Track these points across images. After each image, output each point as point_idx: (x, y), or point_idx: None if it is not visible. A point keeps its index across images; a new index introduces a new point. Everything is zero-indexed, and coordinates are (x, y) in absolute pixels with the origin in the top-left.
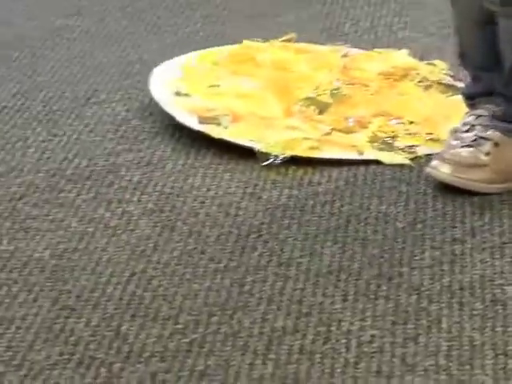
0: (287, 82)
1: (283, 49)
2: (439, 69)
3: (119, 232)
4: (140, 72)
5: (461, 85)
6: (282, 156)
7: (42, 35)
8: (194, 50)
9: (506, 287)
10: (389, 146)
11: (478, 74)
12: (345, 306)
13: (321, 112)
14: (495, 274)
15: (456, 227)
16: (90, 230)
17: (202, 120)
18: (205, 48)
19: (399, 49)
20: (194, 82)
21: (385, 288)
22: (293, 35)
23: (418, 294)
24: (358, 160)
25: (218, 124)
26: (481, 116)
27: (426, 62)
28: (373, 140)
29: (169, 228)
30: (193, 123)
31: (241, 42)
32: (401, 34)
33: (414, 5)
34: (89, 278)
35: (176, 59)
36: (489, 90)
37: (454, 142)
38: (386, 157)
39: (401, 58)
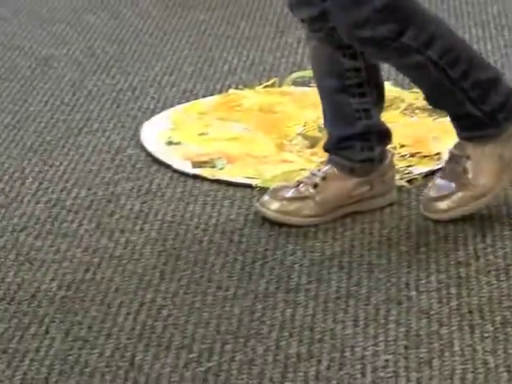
0: (275, 122)
1: (267, 93)
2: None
3: (124, 262)
4: (131, 100)
5: None
6: None
7: (30, 65)
8: (183, 76)
9: None
10: None
11: None
12: (356, 331)
13: (312, 146)
14: (502, 296)
15: (459, 250)
16: (95, 260)
17: (196, 165)
18: (193, 73)
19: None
20: (184, 131)
21: (394, 312)
22: (275, 79)
23: (427, 317)
24: None
25: (213, 167)
26: None
27: (409, 90)
28: None
29: (174, 257)
30: (187, 168)
31: (228, 70)
32: None
33: None
34: (99, 309)
35: (164, 112)
36: None
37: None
38: None
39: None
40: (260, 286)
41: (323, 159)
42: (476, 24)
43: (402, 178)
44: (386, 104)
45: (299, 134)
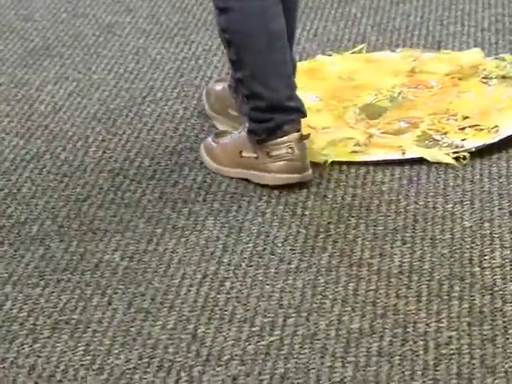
0: (349, 91)
1: (354, 60)
2: (507, 62)
3: (187, 233)
4: (195, 69)
5: None
6: (328, 160)
7: (94, 32)
8: None
9: None
10: (435, 143)
11: None
12: (419, 307)
13: (374, 117)
14: None
15: None
16: (158, 231)
17: None
18: None
19: (454, 43)
20: None
21: (458, 288)
22: (363, 45)
23: (491, 294)
24: (402, 159)
25: None
26: None
27: (493, 56)
28: (421, 139)
29: (236, 228)
30: None
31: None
32: (452, 28)
33: None
34: (161, 281)
35: None
36: None
37: None
38: (429, 154)
39: (468, 56)
40: (322, 259)
41: (382, 131)
42: None
43: (448, 154)
44: (466, 72)
45: (366, 105)
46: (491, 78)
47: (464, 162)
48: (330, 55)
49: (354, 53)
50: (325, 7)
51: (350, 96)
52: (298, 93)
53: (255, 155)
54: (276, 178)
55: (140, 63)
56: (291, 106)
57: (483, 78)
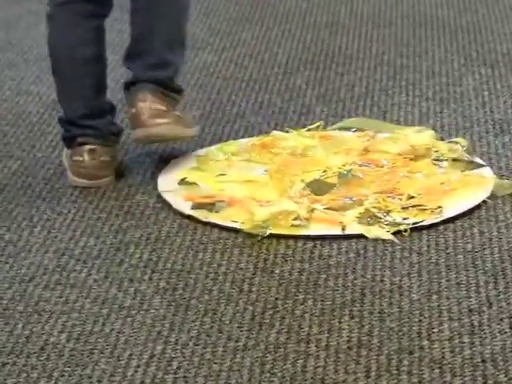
0: (296, 166)
1: (309, 137)
2: (459, 146)
3: (134, 312)
4: (144, 147)
5: (480, 160)
6: (267, 232)
7: (38, 110)
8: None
9: None
10: (376, 221)
11: None
12: (368, 382)
13: (321, 193)
14: None
15: (471, 297)
16: (104, 311)
17: (196, 206)
18: (202, 116)
19: (399, 113)
20: (205, 171)
21: (407, 363)
22: (319, 123)
23: (440, 367)
24: (342, 235)
25: (211, 209)
26: None
27: (447, 140)
28: (363, 216)
29: (183, 307)
30: (185, 209)
31: (237, 113)
32: (397, 98)
33: (407, 68)
34: (108, 362)
35: (194, 152)
36: None
37: None
38: (368, 231)
39: (422, 137)
40: (270, 336)
41: (326, 206)
42: (485, 63)
43: (388, 231)
44: (419, 153)
45: (313, 181)
46: (442, 161)
47: (405, 233)
48: (286, 131)
49: (310, 130)
50: (269, 79)
51: (297, 171)
52: (248, 165)
53: (69, 157)
54: (72, 180)
55: None
56: (85, 123)
57: (435, 159)
